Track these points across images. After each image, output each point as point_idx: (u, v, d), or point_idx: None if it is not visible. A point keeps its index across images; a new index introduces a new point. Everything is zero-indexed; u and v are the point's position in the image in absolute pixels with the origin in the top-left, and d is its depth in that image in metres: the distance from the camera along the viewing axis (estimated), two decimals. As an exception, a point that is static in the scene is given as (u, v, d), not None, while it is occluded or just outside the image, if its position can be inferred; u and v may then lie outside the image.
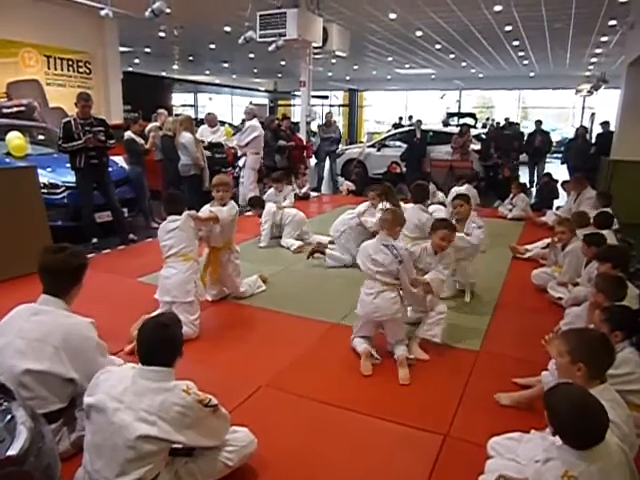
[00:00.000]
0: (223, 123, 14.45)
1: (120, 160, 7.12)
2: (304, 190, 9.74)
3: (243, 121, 8.21)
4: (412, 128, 11.94)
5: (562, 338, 2.12)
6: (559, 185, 8.40)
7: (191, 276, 3.59)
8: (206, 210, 4.12)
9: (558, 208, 7.90)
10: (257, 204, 6.28)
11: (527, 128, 14.29)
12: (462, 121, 18.53)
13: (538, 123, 11.39)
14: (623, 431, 1.91)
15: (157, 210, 7.64)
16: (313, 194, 10.10)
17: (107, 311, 3.76)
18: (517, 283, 4.94)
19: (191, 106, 25.50)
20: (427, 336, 3.44)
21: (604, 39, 12.67)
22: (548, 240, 5.45)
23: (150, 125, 7.99)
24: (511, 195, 8.25)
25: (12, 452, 1.39)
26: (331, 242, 5.96)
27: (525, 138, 11.75)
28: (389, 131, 15.75)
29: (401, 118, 18.19)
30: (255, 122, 8.12)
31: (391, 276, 3.26)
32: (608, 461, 1.68)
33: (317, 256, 5.35)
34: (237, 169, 8.79)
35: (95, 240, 5.90)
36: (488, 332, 3.81)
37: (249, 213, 7.47)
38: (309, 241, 6.10)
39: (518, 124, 15.95)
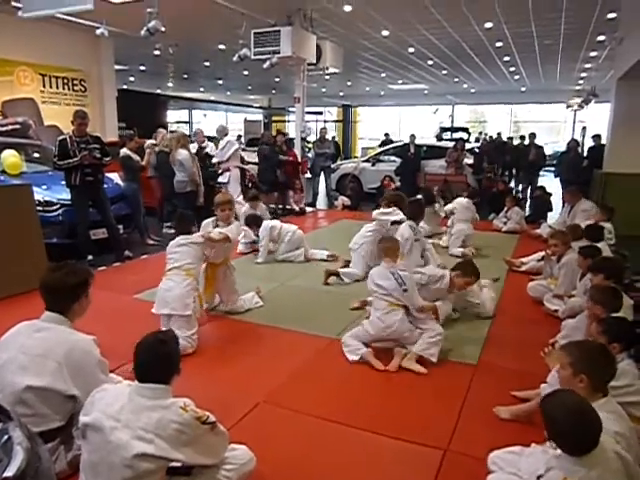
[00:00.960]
0: (218, 139, 14.53)
1: (115, 177, 7.14)
2: (300, 205, 9.81)
3: (239, 137, 8.35)
4: (406, 143, 12.05)
5: (564, 350, 2.13)
6: (560, 196, 8.48)
7: (190, 291, 3.61)
8: (208, 226, 4.15)
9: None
10: (253, 222, 6.30)
11: (517, 141, 14.44)
12: (455, 135, 18.70)
13: (532, 136, 11.52)
14: (629, 442, 1.91)
15: (152, 226, 7.66)
16: (308, 209, 10.14)
17: (103, 328, 3.71)
18: (514, 295, 4.95)
19: (186, 123, 25.65)
20: (425, 354, 3.43)
21: (593, 54, 12.90)
22: (543, 253, 5.50)
23: (147, 142, 8.05)
24: (505, 208, 8.31)
25: (9, 473, 1.37)
26: (330, 256, 6.01)
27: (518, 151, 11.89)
28: (380, 145, 15.89)
29: (387, 134, 18.28)
30: (230, 138, 8.39)
31: (396, 298, 3.43)
32: (606, 467, 1.68)
33: (332, 280, 5.18)
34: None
35: (90, 257, 5.88)
36: (486, 345, 3.81)
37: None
38: (308, 257, 6.13)
39: (511, 138, 16.13)
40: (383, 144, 16.32)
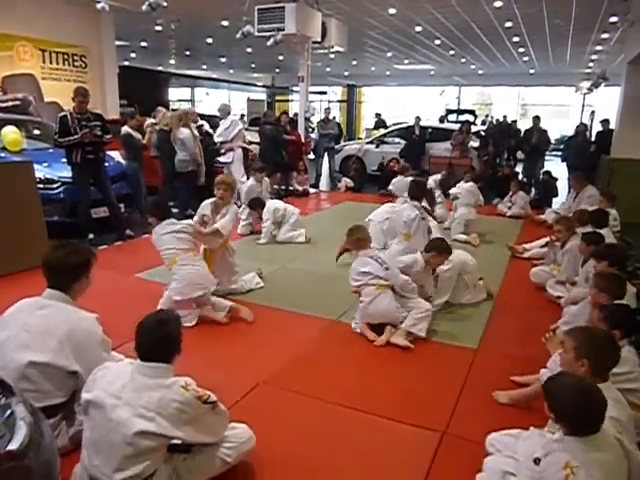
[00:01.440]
0: (221, 118, 14.41)
1: (117, 155, 7.12)
2: (303, 186, 9.77)
3: (242, 116, 8.26)
4: (411, 125, 11.96)
5: (569, 335, 2.15)
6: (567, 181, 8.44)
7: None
8: (206, 208, 4.15)
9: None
10: (257, 205, 6.29)
11: (525, 125, 14.31)
12: (461, 118, 18.52)
13: (536, 119, 11.37)
14: (626, 428, 1.94)
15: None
16: (311, 191, 10.12)
17: (105, 307, 3.73)
18: (516, 281, 4.97)
19: (188, 101, 25.41)
20: (413, 330, 3.51)
21: (605, 36, 12.69)
22: (547, 239, 5.50)
23: (147, 121, 7.99)
24: (510, 193, 8.27)
25: (12, 447, 1.40)
26: None
27: (522, 135, 11.76)
28: (374, 128, 15.70)
29: (379, 114, 17.95)
30: (234, 117, 8.33)
31: (383, 278, 3.61)
32: (610, 452, 1.71)
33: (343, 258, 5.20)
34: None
35: (91, 236, 5.90)
36: (486, 330, 3.84)
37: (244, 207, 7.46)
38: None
39: (515, 121, 15.95)
40: (376, 126, 16.09)
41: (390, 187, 8.30)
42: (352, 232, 3.90)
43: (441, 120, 16.99)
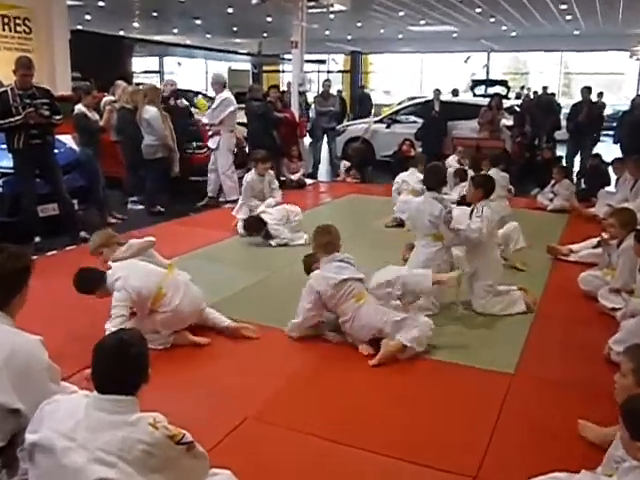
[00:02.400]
0: (197, 94, 14.46)
1: (69, 140, 7.10)
2: (297, 176, 9.76)
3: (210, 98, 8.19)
4: (429, 99, 11.96)
5: (627, 355, 2.14)
6: (611, 168, 8.44)
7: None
8: None
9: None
10: (255, 228, 6.16)
11: (572, 99, 14.34)
12: (491, 91, 18.54)
13: (585, 91, 11.35)
14: None
15: (115, 201, 7.65)
16: (308, 181, 10.12)
17: (54, 327, 3.75)
18: (561, 289, 4.96)
19: (156, 73, 25.46)
20: (409, 343, 3.58)
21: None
22: (598, 238, 5.48)
23: (105, 98, 7.97)
24: (552, 181, 8.27)
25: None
26: None
27: (569, 111, 11.75)
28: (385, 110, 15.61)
29: (363, 86, 17.53)
30: (227, 94, 8.08)
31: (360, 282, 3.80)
32: None
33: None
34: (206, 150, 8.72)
35: (38, 239, 5.88)
36: (525, 350, 3.83)
37: (228, 206, 7.47)
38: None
39: (553, 94, 15.97)
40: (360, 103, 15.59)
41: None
42: (321, 234, 4.01)
43: (454, 94, 16.79)
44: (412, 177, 7.28)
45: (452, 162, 8.85)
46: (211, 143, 8.14)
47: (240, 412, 3.00)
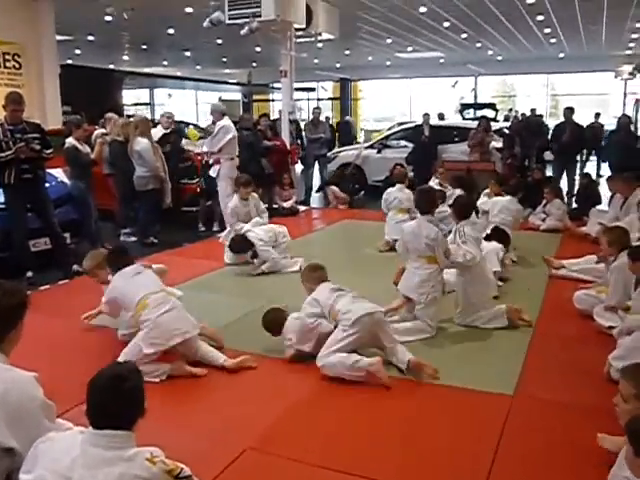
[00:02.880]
0: (187, 124, 14.55)
1: (60, 174, 7.12)
2: (290, 203, 9.80)
3: (214, 122, 8.22)
4: (419, 124, 12.09)
5: (625, 376, 2.13)
6: (605, 183, 8.48)
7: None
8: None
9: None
10: (241, 247, 6.10)
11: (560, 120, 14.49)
12: (480, 113, 18.78)
13: (568, 112, 11.46)
14: None
15: (107, 234, 7.64)
16: (301, 208, 10.16)
17: (48, 363, 3.71)
18: (557, 307, 4.98)
19: (146, 104, 25.71)
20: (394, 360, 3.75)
21: (646, 11, 13.01)
22: (591, 256, 5.51)
23: (97, 132, 8.03)
24: (544, 201, 8.33)
25: None
26: None
27: (551, 132, 11.86)
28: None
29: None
30: (227, 121, 8.14)
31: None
32: None
33: None
34: (200, 180, 8.76)
35: (30, 274, 5.86)
36: (524, 370, 3.81)
37: (219, 235, 7.46)
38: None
39: (541, 115, 16.17)
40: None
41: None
42: (314, 269, 4.24)
43: (440, 118, 16.91)
44: (401, 194, 7.28)
45: (432, 184, 8.82)
46: (212, 172, 8.13)
47: (239, 443, 2.96)
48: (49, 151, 5.91)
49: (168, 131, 8.81)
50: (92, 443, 1.91)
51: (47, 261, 6.12)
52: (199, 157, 9.09)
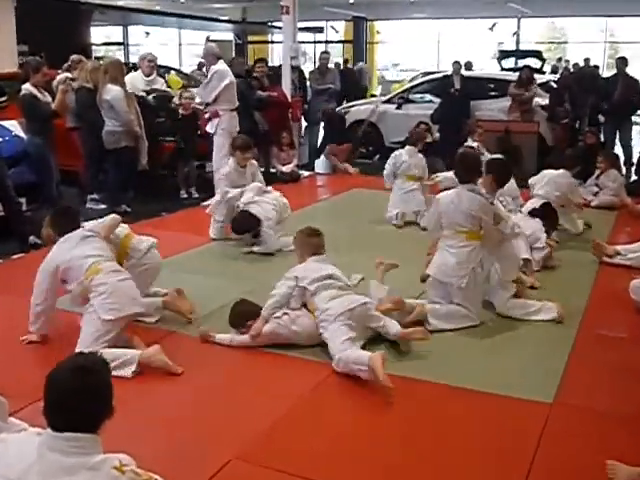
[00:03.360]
0: (168, 70, 14.47)
1: (15, 127, 7.10)
2: (290, 168, 9.75)
3: (200, 66, 8.17)
4: (447, 74, 11.98)
5: None
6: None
7: None
8: None
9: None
10: (248, 227, 6.07)
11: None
12: (522, 63, 18.58)
13: (620, 63, 11.25)
14: None
15: (71, 200, 7.63)
16: (303, 173, 10.13)
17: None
18: (608, 300, 4.97)
19: (119, 45, 25.53)
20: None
21: None
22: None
23: (60, 76, 7.96)
24: (597, 172, 8.27)
25: None
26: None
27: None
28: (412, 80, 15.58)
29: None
30: (222, 65, 8.03)
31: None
32: None
33: None
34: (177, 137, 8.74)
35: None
36: (565, 374, 3.82)
37: (206, 203, 7.44)
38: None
39: (597, 67, 15.98)
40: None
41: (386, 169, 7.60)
42: (310, 234, 4.40)
43: (498, 64, 16.83)
44: (413, 158, 7.27)
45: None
46: (209, 127, 8.08)
47: (223, 452, 2.98)
48: (2, 99, 5.90)
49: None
50: (50, 447, 1.92)
51: (-1, 231, 6.15)
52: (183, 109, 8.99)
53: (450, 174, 6.75)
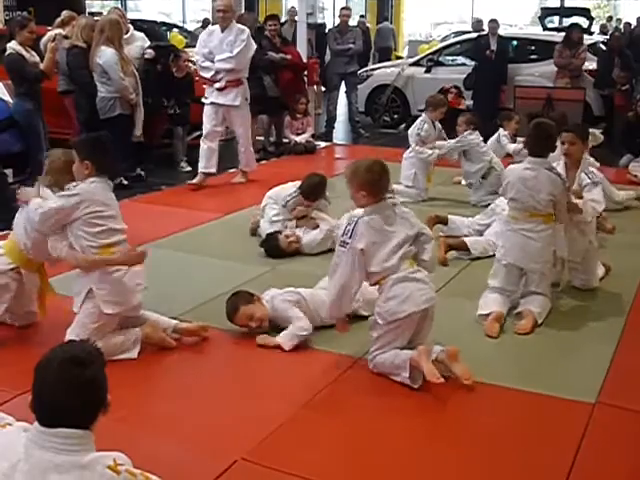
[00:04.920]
0: (171, 27, 14.41)
1: (0, 89, 7.11)
2: (305, 137, 9.72)
3: (205, 24, 8.08)
4: (483, 34, 11.87)
5: None
6: None
7: None
8: None
9: None
10: (316, 191, 5.73)
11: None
12: (567, 22, 18.37)
13: None
14: None
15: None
16: (320, 144, 10.10)
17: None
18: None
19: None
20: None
21: None
22: None
23: (49, 33, 7.94)
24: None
25: None
26: None
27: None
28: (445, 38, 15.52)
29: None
30: (240, 25, 7.81)
31: None
32: None
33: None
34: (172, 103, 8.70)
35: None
36: (610, 372, 3.81)
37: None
38: None
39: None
40: None
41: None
42: (379, 172, 3.80)
43: (540, 23, 16.73)
44: (432, 128, 7.30)
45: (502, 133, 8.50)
46: (230, 99, 7.71)
47: (229, 452, 3.01)
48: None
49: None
50: (39, 444, 1.93)
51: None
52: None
53: (451, 142, 6.89)
